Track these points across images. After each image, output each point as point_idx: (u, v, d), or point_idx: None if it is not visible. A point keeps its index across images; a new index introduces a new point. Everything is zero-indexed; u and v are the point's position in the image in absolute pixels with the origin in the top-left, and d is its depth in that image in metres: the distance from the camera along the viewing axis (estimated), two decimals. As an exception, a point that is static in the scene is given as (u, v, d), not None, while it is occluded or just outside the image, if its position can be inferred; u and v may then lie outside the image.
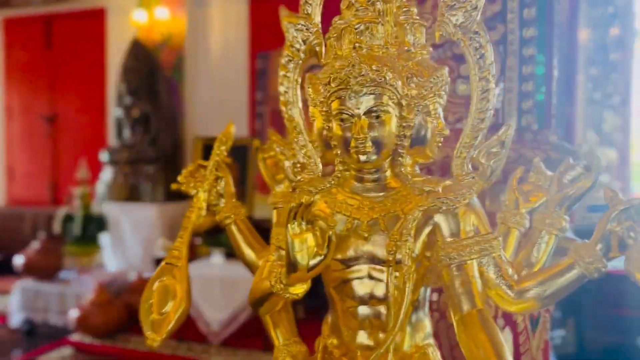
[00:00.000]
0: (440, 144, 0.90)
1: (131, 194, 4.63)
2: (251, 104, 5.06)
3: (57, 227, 4.34)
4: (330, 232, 0.78)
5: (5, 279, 5.09)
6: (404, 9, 0.89)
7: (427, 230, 0.87)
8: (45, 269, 4.13)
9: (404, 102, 0.87)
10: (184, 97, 5.08)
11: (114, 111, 4.94)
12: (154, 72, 4.81)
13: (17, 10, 5.74)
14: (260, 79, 4.97)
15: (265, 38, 5.00)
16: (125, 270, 4.40)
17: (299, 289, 0.84)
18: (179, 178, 1.11)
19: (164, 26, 5.00)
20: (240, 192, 5.09)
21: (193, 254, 4.39)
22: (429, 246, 0.88)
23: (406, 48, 0.89)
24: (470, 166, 0.87)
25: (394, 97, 0.86)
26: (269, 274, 0.92)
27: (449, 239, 0.86)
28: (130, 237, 4.52)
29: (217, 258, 3.89)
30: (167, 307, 0.98)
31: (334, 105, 0.89)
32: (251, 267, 1.10)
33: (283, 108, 0.98)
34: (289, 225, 0.78)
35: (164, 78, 4.90)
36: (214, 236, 4.26)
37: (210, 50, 5.18)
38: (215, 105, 5.16)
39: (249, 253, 1.10)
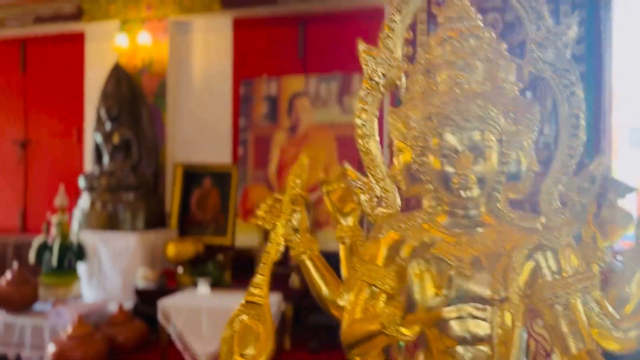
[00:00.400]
0: (531, 180, 0.90)
1: (110, 222, 4.49)
2: (234, 130, 5.03)
3: (31, 257, 4.15)
4: (452, 273, 0.76)
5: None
6: (495, 45, 0.90)
7: (528, 268, 0.87)
8: (19, 301, 3.93)
9: (504, 138, 0.87)
10: (166, 124, 5.00)
11: (92, 137, 4.82)
12: (136, 98, 4.73)
13: (-12, 32, 5.58)
14: (244, 105, 4.95)
15: (249, 65, 5.01)
16: (104, 301, 4.24)
17: (411, 331, 0.81)
18: (259, 213, 1.07)
19: (146, 52, 4.95)
20: (222, 219, 5.02)
21: (175, 283, 4.27)
22: (530, 285, 0.87)
23: (499, 85, 0.89)
24: (558, 202, 0.87)
25: (496, 133, 0.86)
26: (366, 312, 0.89)
27: (550, 278, 0.86)
28: (109, 267, 4.37)
29: (203, 288, 3.79)
30: (250, 350, 0.93)
31: (435, 140, 0.88)
32: (327, 303, 1.07)
33: (360, 141, 0.97)
34: (409, 265, 0.76)
35: (145, 104, 4.82)
36: (198, 266, 4.16)
37: (193, 77, 5.15)
38: (197, 131, 5.10)
39: (325, 289, 1.07)
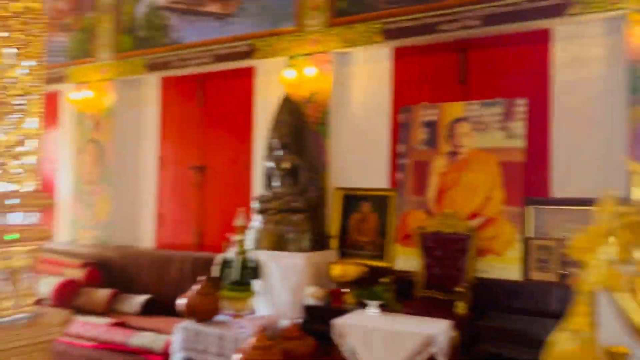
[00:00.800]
0: None
1: (278, 242, 4.82)
2: (393, 156, 5.16)
3: (215, 272, 4.58)
4: None
5: (153, 318, 5.41)
6: None
7: None
8: (205, 312, 4.35)
9: None
10: (327, 150, 5.29)
11: (263, 163, 5.23)
12: (303, 127, 5.07)
13: (174, 71, 6.34)
14: (403, 131, 5.07)
15: (408, 92, 5.15)
16: (275, 316, 4.54)
17: None
18: (575, 244, 1.14)
19: (311, 83, 5.29)
20: (379, 242, 5.14)
21: (340, 303, 4.44)
22: None
23: None
24: None
25: None
26: None
27: None
28: (279, 284, 4.67)
29: (373, 310, 3.91)
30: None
31: None
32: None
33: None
34: None
35: (310, 132, 5.15)
36: (365, 287, 4.29)
37: (352, 105, 5.40)
38: (356, 157, 5.32)
39: (640, 320, 1.10)
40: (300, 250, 4.77)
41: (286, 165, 4.86)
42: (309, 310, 4.43)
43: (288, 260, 4.67)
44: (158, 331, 4.98)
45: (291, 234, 4.79)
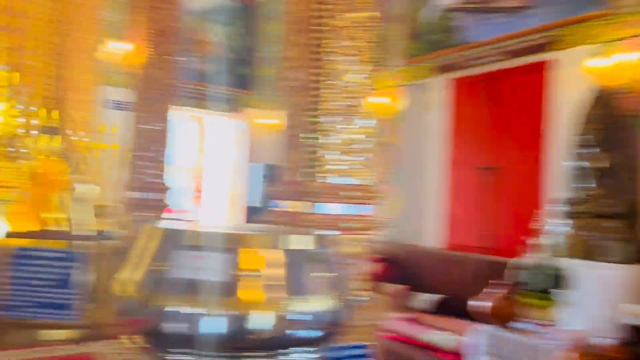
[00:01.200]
0: None
1: (590, 251, 4.32)
2: None
3: (513, 276, 4.37)
4: None
5: (441, 317, 5.46)
6: None
7: None
8: (506, 317, 4.19)
9: None
10: (649, 147, 4.55)
11: (565, 162, 4.78)
12: (618, 121, 4.47)
13: (463, 71, 6.33)
14: None
15: None
16: (586, 331, 4.09)
17: None
18: None
19: (629, 71, 4.63)
20: None
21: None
22: None
23: None
24: None
25: None
26: None
27: None
28: (590, 297, 4.19)
29: None
30: None
31: None
32: None
33: None
34: None
35: (627, 126, 4.51)
36: None
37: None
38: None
39: None
40: (617, 261, 4.19)
41: (604, 164, 4.31)
42: (635, 330, 3.86)
43: (603, 272, 4.15)
44: (447, 330, 5.02)
45: (606, 242, 4.24)
